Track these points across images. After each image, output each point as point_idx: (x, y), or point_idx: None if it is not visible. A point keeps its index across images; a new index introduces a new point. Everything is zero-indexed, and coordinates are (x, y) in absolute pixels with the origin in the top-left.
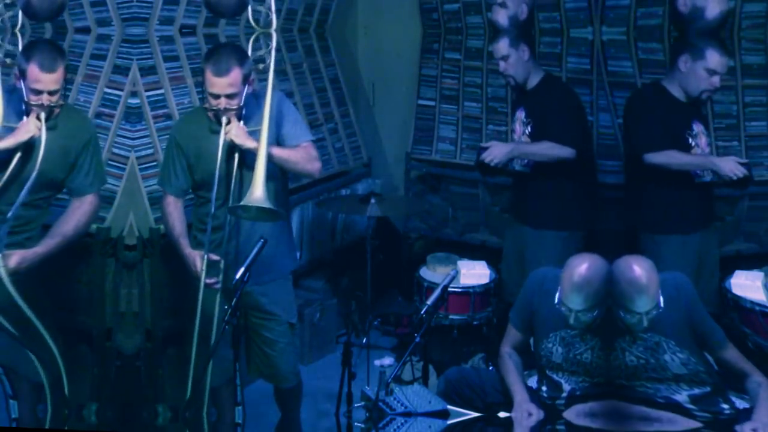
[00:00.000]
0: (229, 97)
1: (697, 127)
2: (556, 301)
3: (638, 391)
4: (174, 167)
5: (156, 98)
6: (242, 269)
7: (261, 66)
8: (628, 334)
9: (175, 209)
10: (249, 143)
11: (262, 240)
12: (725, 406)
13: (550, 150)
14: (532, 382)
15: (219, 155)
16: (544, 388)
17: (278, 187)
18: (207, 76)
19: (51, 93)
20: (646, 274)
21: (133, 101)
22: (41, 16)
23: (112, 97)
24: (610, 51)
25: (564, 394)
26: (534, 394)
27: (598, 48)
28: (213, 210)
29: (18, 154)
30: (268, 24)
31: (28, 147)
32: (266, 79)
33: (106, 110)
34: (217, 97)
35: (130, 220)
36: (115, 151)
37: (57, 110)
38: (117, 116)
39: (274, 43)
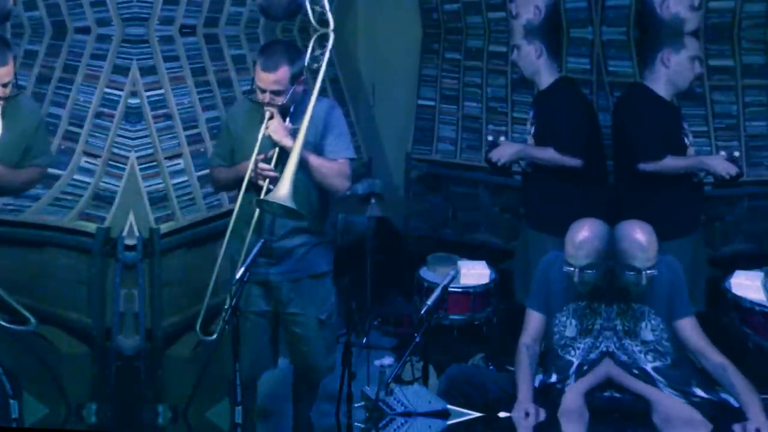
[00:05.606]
0: (274, 93)
1: (686, 126)
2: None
3: (620, 361)
4: (224, 148)
5: (156, 98)
6: (242, 269)
7: (315, 66)
8: (623, 302)
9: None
10: (285, 141)
11: (262, 240)
12: (697, 390)
13: (557, 158)
14: (536, 381)
15: (256, 148)
16: (553, 375)
17: (320, 196)
18: (256, 69)
19: (4, 85)
20: (646, 236)
21: (133, 101)
22: None
23: (112, 97)
24: (610, 51)
25: (572, 371)
26: (537, 394)
27: (598, 48)
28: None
29: None
30: (326, 24)
31: None
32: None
33: (106, 110)
34: (263, 91)
35: (130, 220)
36: (115, 151)
37: (9, 101)
38: (117, 116)
39: (330, 44)
